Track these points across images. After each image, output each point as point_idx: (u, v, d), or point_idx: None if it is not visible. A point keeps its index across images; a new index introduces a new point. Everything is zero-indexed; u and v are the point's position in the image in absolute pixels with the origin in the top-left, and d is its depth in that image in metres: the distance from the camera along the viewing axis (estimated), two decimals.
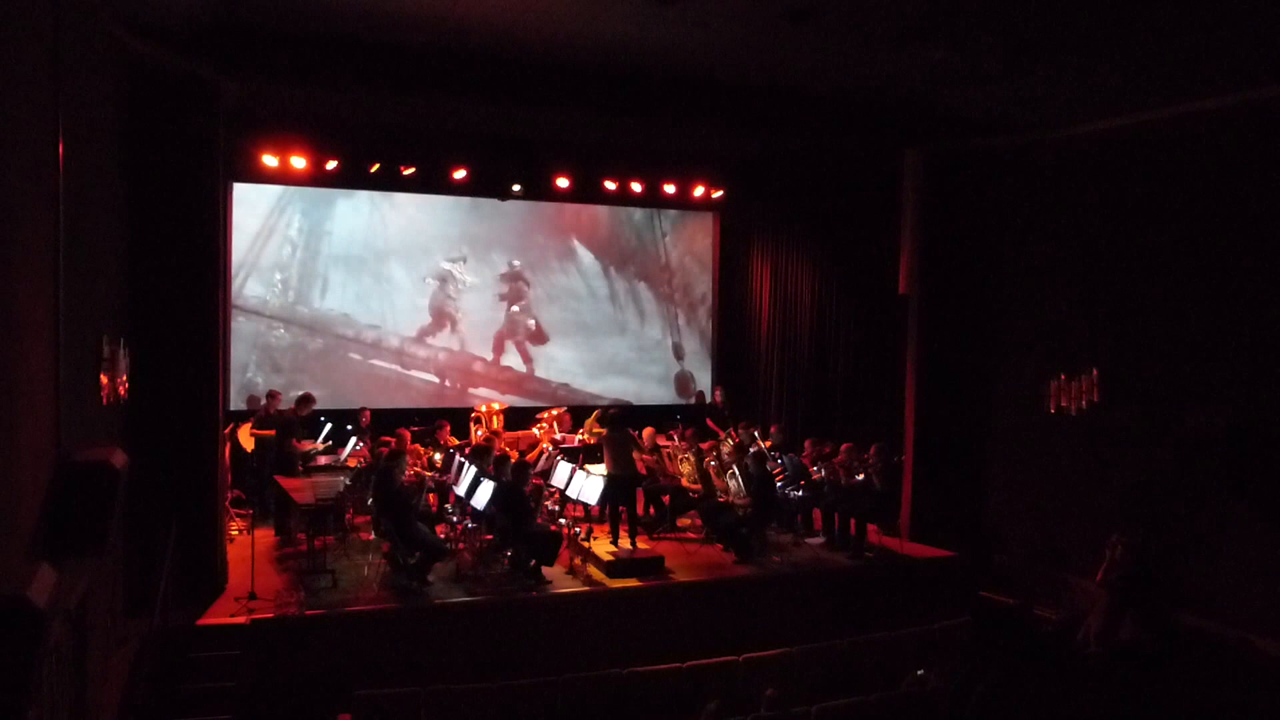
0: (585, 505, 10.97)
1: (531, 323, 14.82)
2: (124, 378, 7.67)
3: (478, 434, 12.60)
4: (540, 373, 14.93)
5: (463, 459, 10.55)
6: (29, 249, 4.93)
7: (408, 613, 8.77)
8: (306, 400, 11.52)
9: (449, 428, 12.29)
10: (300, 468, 11.01)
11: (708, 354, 15.93)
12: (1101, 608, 9.28)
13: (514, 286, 14.73)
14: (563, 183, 13.50)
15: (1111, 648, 8.60)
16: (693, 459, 11.77)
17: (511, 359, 14.78)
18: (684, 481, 11.82)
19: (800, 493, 11.69)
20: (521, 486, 9.75)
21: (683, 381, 15.77)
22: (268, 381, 12.86)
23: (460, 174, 13.04)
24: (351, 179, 12.92)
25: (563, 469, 10.94)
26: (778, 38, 8.78)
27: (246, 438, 11.37)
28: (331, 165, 12.52)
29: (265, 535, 10.48)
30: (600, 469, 10.82)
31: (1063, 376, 10.94)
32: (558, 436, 12.69)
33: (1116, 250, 10.59)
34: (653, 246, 15.56)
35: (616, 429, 10.78)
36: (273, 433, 11.07)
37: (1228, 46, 8.32)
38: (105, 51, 7.56)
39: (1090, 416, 10.66)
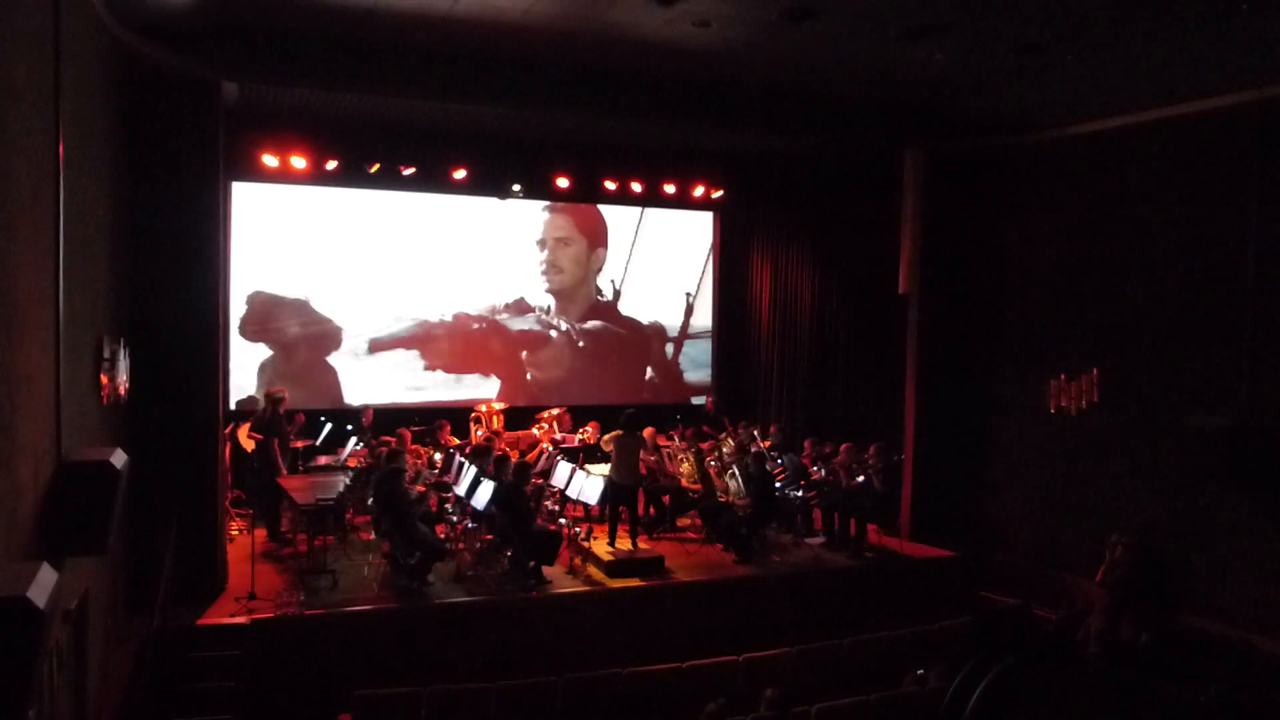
0: (585, 505, 10.96)
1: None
2: (124, 378, 7.67)
3: (478, 434, 12.60)
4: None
5: (463, 459, 10.55)
6: (29, 249, 4.93)
7: (408, 613, 8.76)
8: (274, 400, 10.85)
9: (449, 428, 12.30)
10: (300, 466, 10.98)
11: (708, 354, 15.91)
12: (1101, 608, 9.30)
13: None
14: (563, 183, 13.51)
15: (1111, 648, 8.61)
16: (693, 459, 11.76)
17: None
18: (684, 481, 11.81)
19: (800, 493, 11.69)
20: (521, 486, 9.74)
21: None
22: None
23: (460, 174, 13.05)
24: (351, 179, 12.91)
25: (563, 469, 10.93)
26: (778, 38, 8.80)
27: (246, 438, 11.34)
28: (331, 165, 12.53)
29: (265, 535, 10.50)
30: (600, 469, 10.80)
31: (1063, 376, 10.96)
32: (558, 436, 12.69)
33: (1116, 250, 10.59)
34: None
35: (631, 434, 10.64)
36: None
37: (1227, 46, 8.32)
38: (106, 51, 7.56)
39: (1090, 416, 10.67)
